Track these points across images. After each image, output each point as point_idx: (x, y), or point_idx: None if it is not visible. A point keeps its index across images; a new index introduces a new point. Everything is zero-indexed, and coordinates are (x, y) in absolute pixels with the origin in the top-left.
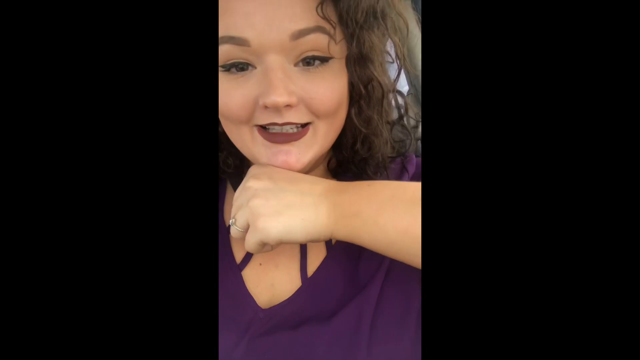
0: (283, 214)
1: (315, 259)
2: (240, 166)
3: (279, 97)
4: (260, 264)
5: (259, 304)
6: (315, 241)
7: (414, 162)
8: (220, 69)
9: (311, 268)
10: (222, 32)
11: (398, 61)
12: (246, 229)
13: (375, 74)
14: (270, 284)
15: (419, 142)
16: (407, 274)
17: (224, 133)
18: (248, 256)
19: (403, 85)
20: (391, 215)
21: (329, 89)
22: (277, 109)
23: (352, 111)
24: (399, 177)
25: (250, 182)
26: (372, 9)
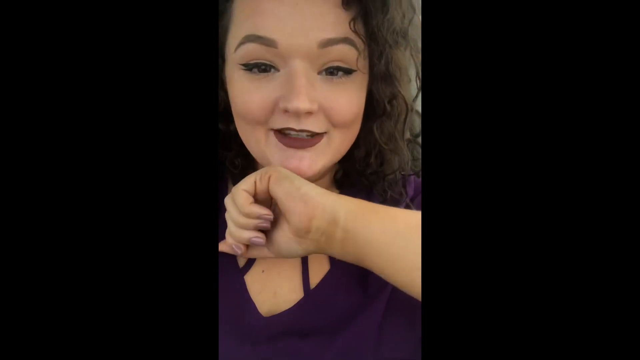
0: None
1: (318, 270)
2: (246, 167)
3: (302, 104)
4: (263, 271)
5: (260, 312)
6: (324, 204)
7: (413, 185)
8: (240, 67)
9: (314, 280)
10: (249, 31)
11: (418, 81)
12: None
13: (401, 91)
14: (273, 292)
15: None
16: None
17: (235, 133)
18: (250, 261)
19: None
20: (412, 228)
21: (349, 100)
22: (297, 115)
23: (374, 127)
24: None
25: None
26: (401, 29)
